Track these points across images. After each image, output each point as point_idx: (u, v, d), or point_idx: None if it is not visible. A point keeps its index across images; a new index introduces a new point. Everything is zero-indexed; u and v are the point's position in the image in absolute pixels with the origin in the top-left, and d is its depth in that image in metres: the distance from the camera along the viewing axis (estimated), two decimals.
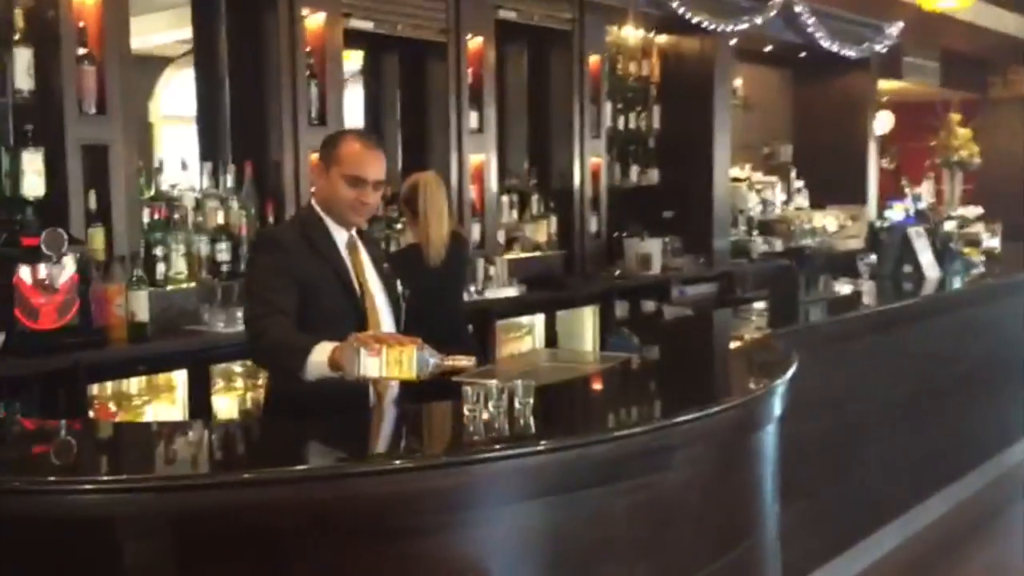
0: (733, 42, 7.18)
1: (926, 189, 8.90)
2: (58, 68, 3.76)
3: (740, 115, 7.92)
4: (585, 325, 5.96)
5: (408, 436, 2.49)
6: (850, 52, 8.09)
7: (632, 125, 6.87)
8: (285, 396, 2.69)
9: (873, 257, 5.45)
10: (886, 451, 4.43)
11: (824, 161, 8.54)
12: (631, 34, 6.87)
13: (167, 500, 1.92)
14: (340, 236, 2.83)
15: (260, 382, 4.02)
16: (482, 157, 5.54)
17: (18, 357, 3.51)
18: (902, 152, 10.64)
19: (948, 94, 10.59)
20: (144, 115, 7.71)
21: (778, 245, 6.74)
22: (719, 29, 6.82)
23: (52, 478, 1.96)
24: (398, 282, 3.88)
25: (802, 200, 8.27)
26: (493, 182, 5.65)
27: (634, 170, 6.92)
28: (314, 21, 4.68)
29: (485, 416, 2.28)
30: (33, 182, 3.68)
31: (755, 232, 7.11)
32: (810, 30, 7.60)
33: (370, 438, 2.36)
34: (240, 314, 3.59)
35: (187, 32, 5.12)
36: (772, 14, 7.14)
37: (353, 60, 5.99)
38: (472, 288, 5.21)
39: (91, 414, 3.81)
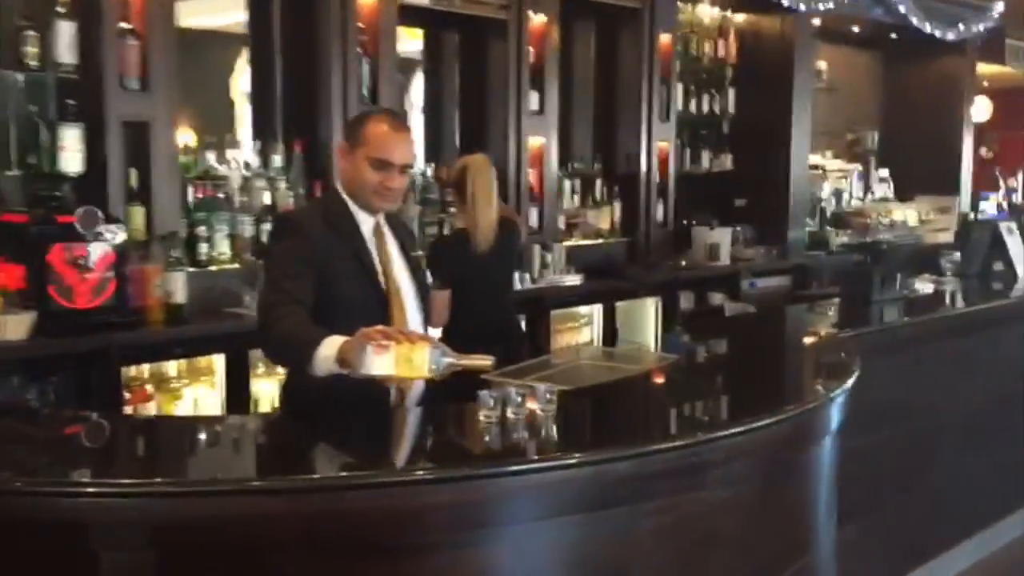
0: (817, 22, 6.81)
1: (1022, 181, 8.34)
2: (100, 42, 3.68)
3: (823, 99, 7.53)
4: (647, 317, 5.71)
5: (417, 444, 2.31)
6: (946, 34, 7.60)
7: (705, 108, 6.57)
8: (301, 391, 2.54)
9: (958, 254, 5.06)
10: (962, 464, 4.09)
11: (913, 149, 8.06)
12: (706, 13, 6.56)
13: (143, 508, 1.78)
14: (365, 221, 2.66)
15: None
16: (542, 140, 5.33)
17: (51, 337, 3.45)
18: (1000, 141, 10.04)
19: None
20: (225, 92, 7.68)
21: (853, 239, 6.36)
22: (801, 8, 6.45)
23: (19, 482, 1.83)
24: (427, 271, 3.75)
25: (885, 191, 7.83)
26: (553, 166, 5.44)
27: (705, 155, 6.61)
28: None
29: (506, 421, 2.10)
30: (71, 158, 3.61)
31: (827, 224, 6.74)
32: (902, 10, 7.15)
33: (376, 445, 2.18)
34: None
35: None
36: None
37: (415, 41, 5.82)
38: (527, 276, 5.02)
39: (127, 396, 3.75)
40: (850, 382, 2.63)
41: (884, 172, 7.94)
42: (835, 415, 2.55)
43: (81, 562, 1.80)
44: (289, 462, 2.08)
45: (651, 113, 5.93)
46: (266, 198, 4.32)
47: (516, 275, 4.83)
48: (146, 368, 3.87)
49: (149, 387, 3.87)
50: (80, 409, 3.49)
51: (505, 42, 5.15)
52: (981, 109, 8.99)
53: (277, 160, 4.42)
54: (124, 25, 3.75)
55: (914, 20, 7.26)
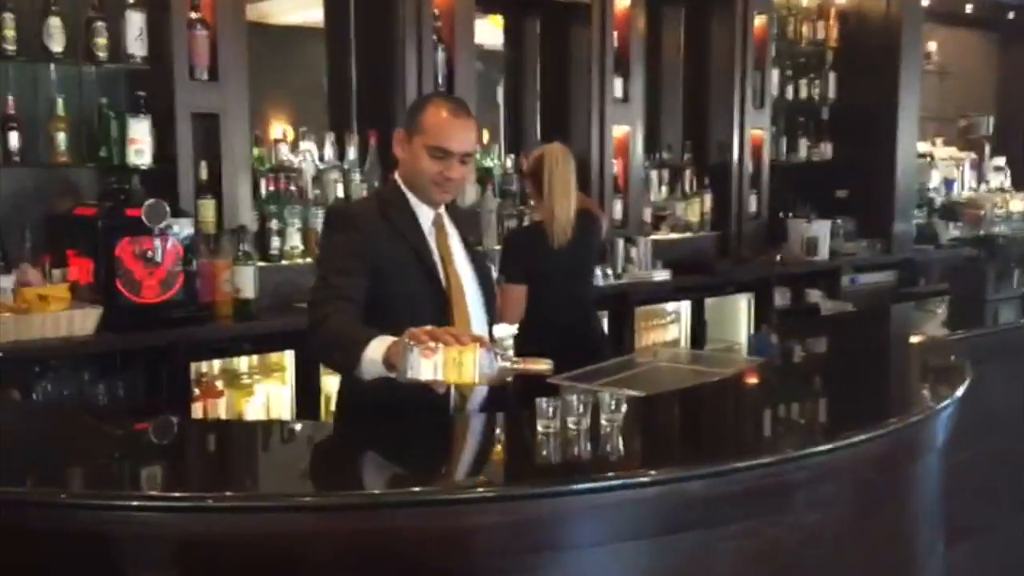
0: (925, 2, 6.38)
1: None
2: (169, 33, 3.62)
3: (933, 83, 7.07)
4: (738, 315, 5.43)
5: (470, 457, 2.13)
6: None
7: (803, 94, 6.22)
8: (354, 394, 2.39)
9: None
10: None
11: None
12: None
13: (170, 523, 1.66)
14: (424, 214, 2.50)
15: None
16: (627, 128, 5.11)
17: (118, 332, 3.40)
18: None
19: None
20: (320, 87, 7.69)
21: (965, 232, 5.92)
22: None
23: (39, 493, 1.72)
24: (501, 265, 3.57)
25: (1001, 180, 7.30)
26: (639, 155, 5.21)
27: (803, 144, 6.28)
28: None
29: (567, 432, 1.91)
30: (140, 151, 3.56)
31: (935, 216, 6.32)
32: None
33: (426, 457, 2.01)
34: None
35: None
36: None
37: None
38: (609, 271, 4.80)
39: (196, 392, 3.69)
40: (961, 390, 2.35)
41: (1000, 160, 7.41)
42: (942, 428, 2.28)
43: None
44: (333, 476, 1.92)
45: (744, 100, 5.65)
46: (339, 191, 4.21)
47: (597, 270, 4.64)
48: (216, 364, 3.81)
49: (219, 383, 3.80)
50: (145, 405, 3.46)
51: (588, 27, 4.94)
52: None
53: (352, 152, 4.31)
54: (193, 15, 3.69)
55: None
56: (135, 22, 3.59)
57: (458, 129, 2.42)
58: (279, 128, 4.75)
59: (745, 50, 5.61)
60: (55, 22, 3.45)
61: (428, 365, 1.92)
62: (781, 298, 5.60)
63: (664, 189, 5.52)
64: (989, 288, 3.77)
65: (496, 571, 1.74)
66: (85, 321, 3.32)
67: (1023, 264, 4.05)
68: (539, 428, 1.98)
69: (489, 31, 5.62)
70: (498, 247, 4.16)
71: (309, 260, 4.05)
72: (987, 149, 7.48)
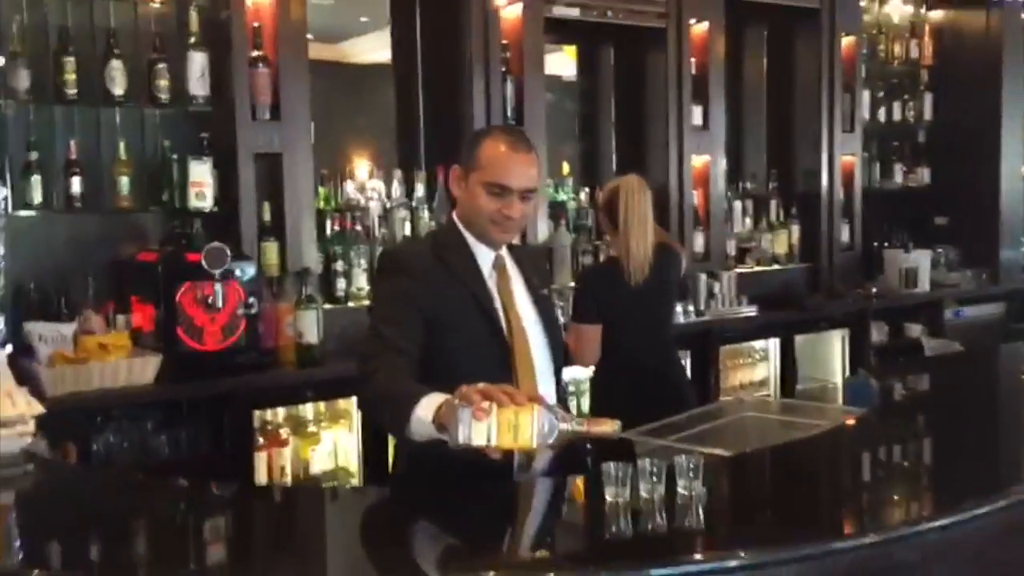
0: None
1: None
2: (230, 71, 3.54)
3: None
4: (832, 353, 5.10)
5: (530, 531, 1.91)
6: None
7: (896, 117, 5.89)
8: (405, 454, 2.21)
9: None
10: None
11: None
12: (897, 10, 5.89)
13: None
14: (484, 255, 2.32)
15: None
16: (707, 158, 4.86)
17: (179, 381, 3.30)
18: None
19: None
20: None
21: None
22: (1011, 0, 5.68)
23: None
24: (559, 311, 3.35)
25: None
26: (720, 185, 4.96)
27: (898, 169, 5.94)
28: (511, 12, 4.22)
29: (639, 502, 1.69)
30: (201, 194, 3.48)
31: None
32: None
33: (477, 532, 1.80)
34: None
35: None
36: None
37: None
38: (691, 307, 4.55)
39: (260, 441, 3.57)
40: None
41: None
42: None
43: None
44: (382, 555, 1.73)
45: (833, 124, 5.36)
46: (407, 228, 4.08)
47: (678, 307, 4.40)
48: (281, 411, 3.68)
49: (284, 431, 3.67)
50: (207, 457, 3.35)
51: (664, 53, 4.73)
52: None
53: (420, 189, 4.17)
54: (255, 53, 3.61)
55: None
56: (197, 62, 3.53)
57: (517, 164, 2.24)
58: (363, 167, 4.68)
59: (833, 72, 5.33)
60: (116, 65, 3.41)
61: (481, 428, 1.73)
62: (878, 334, 5.26)
63: (748, 220, 5.25)
64: None
65: None
66: (144, 370, 3.22)
67: None
68: (607, 497, 1.77)
69: (564, 61, 5.46)
70: (572, 285, 3.98)
71: None
72: None
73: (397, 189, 4.19)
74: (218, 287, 3.34)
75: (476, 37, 4.13)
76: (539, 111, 4.30)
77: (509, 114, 4.22)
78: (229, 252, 3.35)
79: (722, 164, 4.99)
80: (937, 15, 6.09)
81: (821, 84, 5.33)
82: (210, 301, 3.34)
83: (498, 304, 2.29)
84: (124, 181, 3.49)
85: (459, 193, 2.33)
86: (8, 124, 3.33)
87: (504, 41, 4.22)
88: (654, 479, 1.78)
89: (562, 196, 4.74)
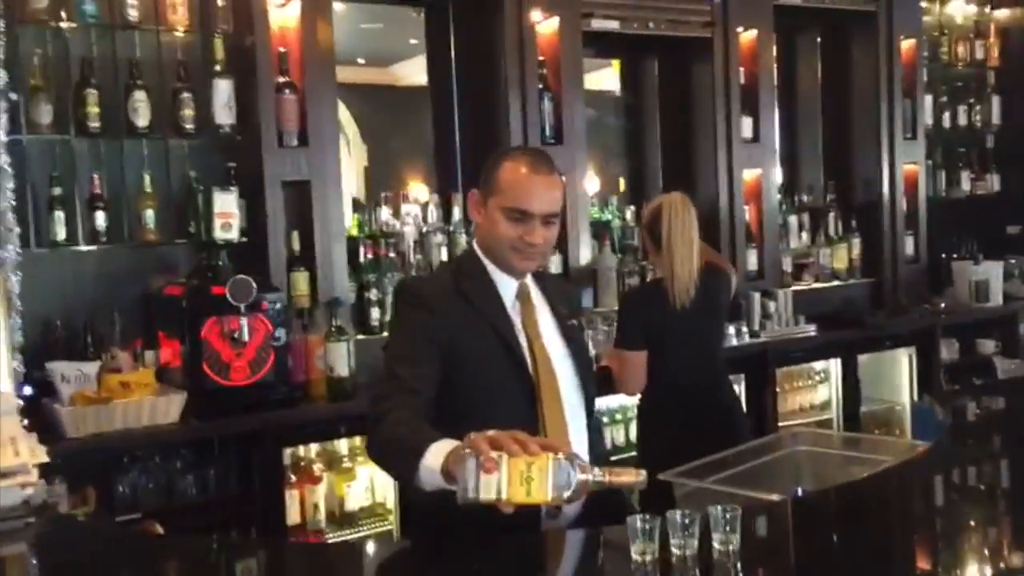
0: None
1: None
2: (256, 98, 3.45)
3: None
4: (899, 373, 4.82)
5: None
6: None
7: (961, 122, 5.61)
8: (419, 501, 2.03)
9: None
10: None
11: None
12: (959, 10, 5.60)
13: None
14: (506, 285, 2.15)
15: None
16: (758, 171, 4.65)
17: (206, 418, 3.19)
18: None
19: None
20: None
21: None
22: None
23: None
24: (591, 342, 3.15)
25: None
26: (773, 200, 4.74)
27: (965, 176, 5.64)
28: (548, 27, 4.07)
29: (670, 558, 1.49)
30: (227, 224, 3.37)
31: None
32: None
33: None
34: None
35: None
36: None
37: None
38: (744, 328, 4.32)
39: (292, 478, 3.44)
40: None
41: None
42: None
43: None
44: None
45: (893, 131, 5.11)
46: (444, 254, 3.94)
47: (731, 328, 4.18)
48: (314, 447, 3.55)
49: (317, 467, 3.54)
50: (238, 496, 3.23)
51: (711, 63, 4.54)
52: None
53: (456, 212, 4.03)
54: (281, 79, 3.51)
55: None
56: (223, 90, 3.45)
57: (539, 187, 2.07)
58: (416, 190, 4.58)
59: (892, 77, 5.08)
60: (140, 96, 3.34)
61: (490, 482, 1.55)
62: (949, 351, 4.98)
63: (805, 235, 5.01)
64: None
65: None
66: (169, 409, 3.12)
67: None
68: (634, 555, 1.58)
69: (608, 75, 5.30)
70: (617, 308, 3.80)
71: None
72: None
73: (433, 213, 4.06)
74: (244, 321, 3.23)
75: (511, 54, 3.99)
76: (579, 128, 4.13)
77: (548, 132, 4.06)
78: (255, 284, 3.24)
79: (775, 177, 4.77)
80: (1003, 14, 5.78)
81: (880, 90, 5.09)
82: (236, 335, 3.22)
83: (522, 337, 2.12)
84: (149, 214, 3.41)
85: (478, 219, 2.17)
86: (31, 159, 3.27)
87: (541, 57, 4.07)
88: (686, 533, 1.59)
89: (607, 216, 4.56)
